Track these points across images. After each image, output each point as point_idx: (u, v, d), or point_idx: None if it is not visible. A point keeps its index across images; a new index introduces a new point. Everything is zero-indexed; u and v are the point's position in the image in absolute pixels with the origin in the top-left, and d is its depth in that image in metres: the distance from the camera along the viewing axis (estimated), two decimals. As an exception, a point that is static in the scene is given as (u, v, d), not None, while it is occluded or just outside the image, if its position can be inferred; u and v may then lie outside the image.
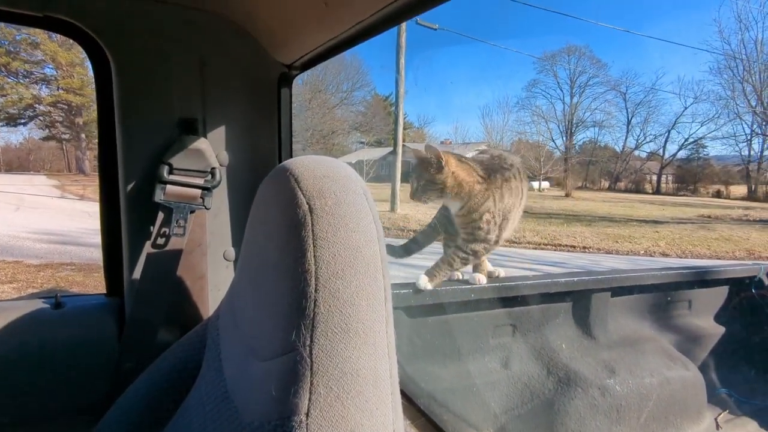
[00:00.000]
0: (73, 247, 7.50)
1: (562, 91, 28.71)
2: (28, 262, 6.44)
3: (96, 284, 5.52)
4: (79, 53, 35.47)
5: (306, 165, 0.47)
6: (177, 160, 0.89)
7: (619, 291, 1.80)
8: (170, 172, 0.89)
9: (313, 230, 0.41)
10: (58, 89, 35.57)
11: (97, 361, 0.95)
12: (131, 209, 0.92)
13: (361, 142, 31.50)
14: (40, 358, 0.91)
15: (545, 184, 25.13)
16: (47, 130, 37.76)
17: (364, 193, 0.47)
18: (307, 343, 0.39)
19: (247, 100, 0.99)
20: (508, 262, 6.74)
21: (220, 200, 0.97)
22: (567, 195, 21.73)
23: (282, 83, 1.02)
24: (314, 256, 0.41)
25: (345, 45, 0.84)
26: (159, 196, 0.88)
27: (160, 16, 0.87)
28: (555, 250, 8.78)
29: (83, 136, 37.21)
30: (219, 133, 0.96)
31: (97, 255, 6.81)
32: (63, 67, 35.36)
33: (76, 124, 36.87)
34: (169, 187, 0.89)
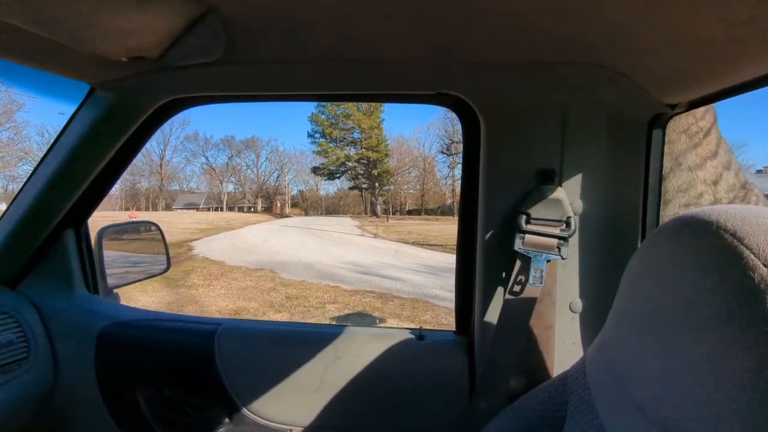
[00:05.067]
0: (372, 277, 8.49)
1: None
2: (343, 288, 7.52)
3: (391, 311, 5.99)
4: (377, 118, 43.24)
5: (743, 216, 0.40)
6: (535, 210, 0.90)
7: None
8: (528, 222, 0.90)
9: None
10: (361, 149, 43.89)
11: (449, 393, 1.02)
12: (488, 256, 0.96)
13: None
14: (405, 381, 1.04)
15: None
16: (353, 182, 47.08)
17: None
18: None
19: (608, 146, 0.93)
20: None
21: (570, 250, 0.93)
22: None
23: (654, 124, 0.94)
24: None
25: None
26: (518, 245, 0.90)
27: (526, 76, 0.89)
28: None
29: (377, 184, 44.63)
30: (575, 182, 0.93)
31: (389, 285, 7.62)
32: (365, 131, 43.64)
33: (372, 176, 44.54)
34: (527, 236, 0.90)
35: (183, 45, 0.80)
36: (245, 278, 8.18)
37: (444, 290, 7.30)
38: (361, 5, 0.70)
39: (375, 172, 44.01)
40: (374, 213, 43.44)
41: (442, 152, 48.08)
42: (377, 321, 5.52)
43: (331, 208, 54.82)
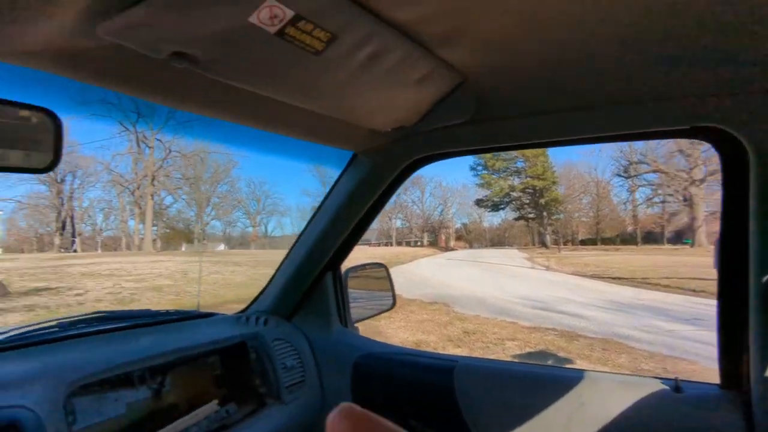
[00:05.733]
0: (550, 314, 7.94)
1: None
2: (522, 324, 7.17)
3: (578, 352, 5.47)
4: (540, 144, 41.13)
5: None
6: None
7: None
8: None
9: None
10: (525, 177, 42.15)
11: None
12: (763, 302, 0.88)
13: None
14: None
15: None
16: (517, 212, 45.25)
17: None
18: None
19: None
20: None
21: None
22: None
23: None
24: None
25: None
26: None
27: None
28: None
29: (545, 214, 41.97)
30: None
31: (571, 322, 6.95)
32: (530, 159, 41.83)
33: (539, 205, 42.08)
34: None
35: (438, 112, 0.93)
36: (421, 311, 8.47)
37: (638, 330, 6.36)
38: (609, 52, 0.72)
39: (542, 200, 41.56)
40: (543, 243, 40.77)
41: (618, 175, 42.85)
42: (564, 362, 5.09)
43: (496, 239, 53.39)
